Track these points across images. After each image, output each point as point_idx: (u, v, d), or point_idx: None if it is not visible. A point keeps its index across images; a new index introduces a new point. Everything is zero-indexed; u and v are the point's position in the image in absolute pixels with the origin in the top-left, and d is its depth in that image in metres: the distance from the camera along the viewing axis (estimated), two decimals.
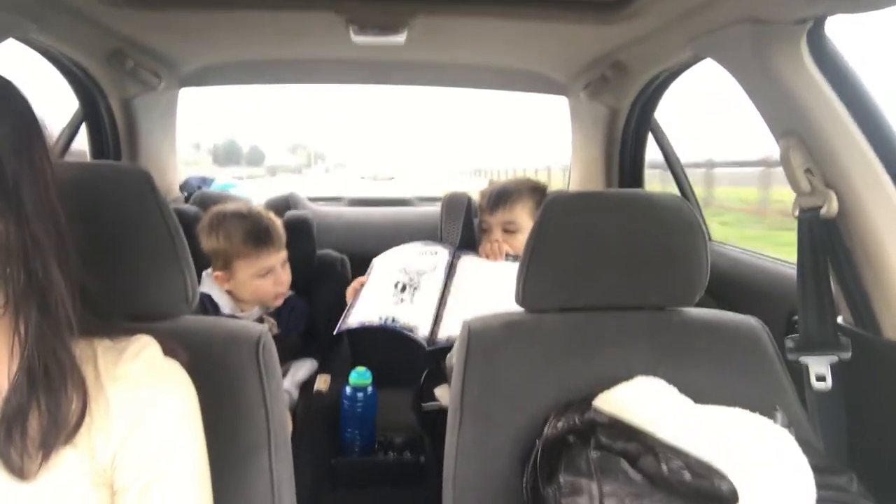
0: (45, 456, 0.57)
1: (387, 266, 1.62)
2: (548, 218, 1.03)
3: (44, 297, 0.58)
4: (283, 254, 1.58)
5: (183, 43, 1.79)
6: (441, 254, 1.63)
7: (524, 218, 1.62)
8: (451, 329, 1.43)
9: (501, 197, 1.64)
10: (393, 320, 1.45)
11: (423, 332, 1.44)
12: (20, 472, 0.56)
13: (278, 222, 1.60)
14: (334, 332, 1.46)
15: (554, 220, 1.03)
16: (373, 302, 1.51)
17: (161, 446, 0.63)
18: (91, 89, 1.89)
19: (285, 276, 1.57)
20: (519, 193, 1.64)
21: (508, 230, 1.63)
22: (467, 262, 1.61)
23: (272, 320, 1.58)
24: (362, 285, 1.58)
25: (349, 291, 1.59)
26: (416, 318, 1.47)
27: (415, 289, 1.53)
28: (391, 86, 2.47)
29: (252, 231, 1.51)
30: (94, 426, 0.60)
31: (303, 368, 1.58)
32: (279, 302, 1.59)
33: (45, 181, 0.59)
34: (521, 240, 1.54)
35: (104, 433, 0.61)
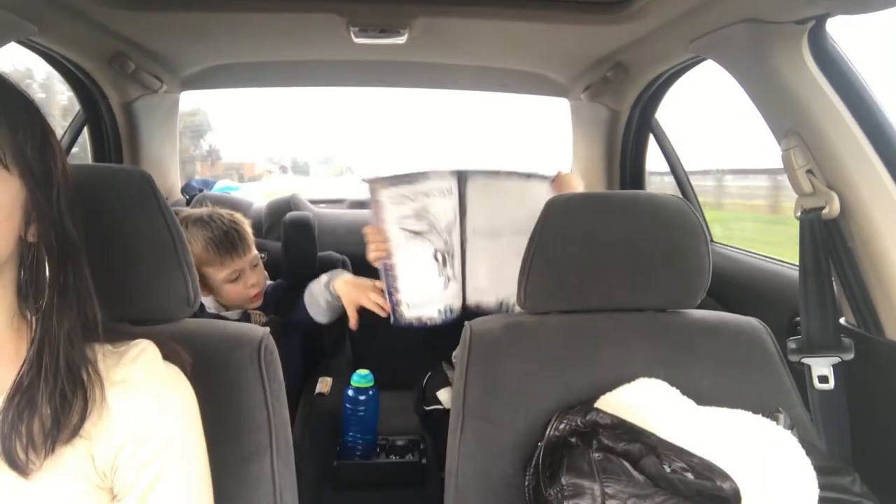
0: (49, 453, 0.58)
1: (413, 222, 1.32)
2: (549, 219, 1.03)
3: (76, 297, 0.61)
4: (251, 255, 1.53)
5: (184, 45, 1.79)
6: (454, 188, 1.36)
7: None
8: (477, 290, 1.36)
9: None
10: (451, 311, 1.35)
11: (457, 305, 1.37)
12: (23, 468, 0.57)
13: (244, 224, 1.55)
14: (392, 321, 1.34)
15: (555, 222, 1.03)
16: (423, 288, 1.34)
17: (160, 450, 0.63)
18: (92, 92, 1.89)
19: (255, 277, 1.53)
20: None
21: None
22: (475, 187, 1.37)
23: (258, 312, 1.55)
24: (386, 259, 1.32)
25: (374, 256, 1.33)
26: (461, 295, 1.37)
27: (452, 256, 1.35)
28: (393, 88, 2.48)
29: (212, 238, 1.46)
30: (94, 428, 0.61)
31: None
32: (257, 302, 1.55)
33: (69, 184, 0.63)
34: None
35: (103, 437, 0.61)
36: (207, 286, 1.49)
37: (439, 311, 1.34)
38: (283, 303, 1.59)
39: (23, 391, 0.58)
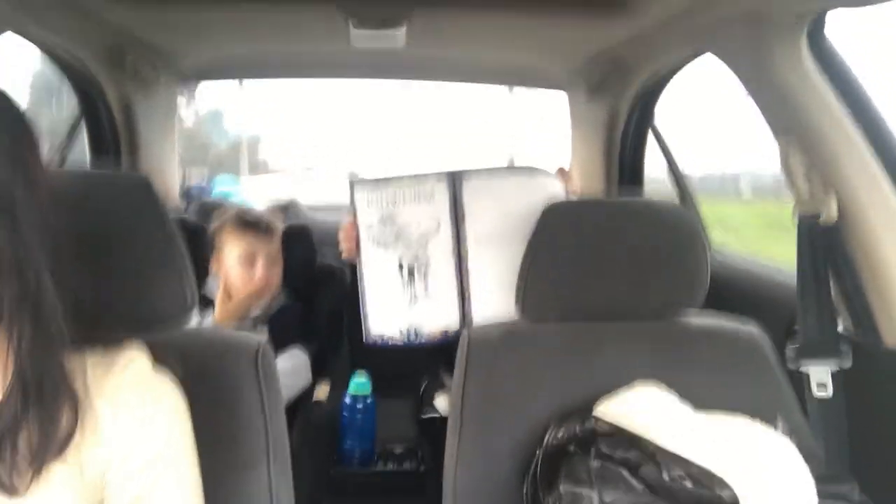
0: (37, 472, 0.57)
1: (378, 229, 1.27)
2: (547, 226, 1.03)
3: (37, 310, 0.58)
4: (270, 248, 1.58)
5: (182, 38, 1.79)
6: (438, 192, 1.26)
7: None
8: (485, 307, 1.23)
9: None
10: (416, 333, 1.27)
11: (454, 325, 1.26)
12: (9, 489, 0.56)
13: (275, 222, 1.64)
14: (364, 341, 1.30)
15: (553, 229, 1.03)
16: (385, 303, 1.28)
17: (150, 461, 0.62)
18: (90, 85, 1.88)
19: (267, 271, 1.56)
20: None
21: None
22: (472, 188, 1.25)
23: (263, 328, 1.57)
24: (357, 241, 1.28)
25: (346, 238, 1.31)
26: (440, 316, 1.26)
27: (425, 272, 1.26)
28: (393, 85, 2.49)
29: (239, 216, 1.57)
30: (83, 441, 0.60)
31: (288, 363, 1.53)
32: (264, 297, 1.58)
33: (38, 192, 0.59)
34: None
35: (93, 448, 0.60)
36: (224, 265, 1.56)
37: (401, 332, 1.27)
38: (290, 330, 1.61)
39: (6, 407, 0.57)
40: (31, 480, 0.56)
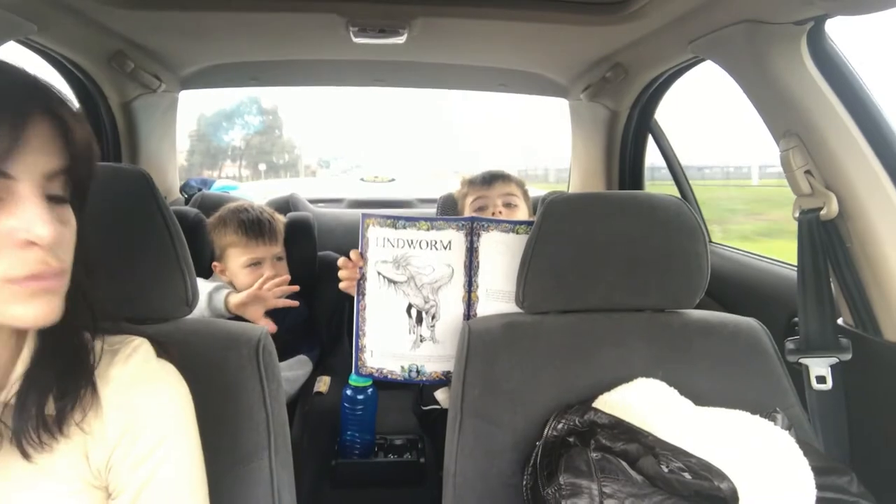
0: (48, 441, 0.58)
1: (390, 269, 1.28)
2: (548, 219, 1.03)
3: (86, 295, 0.61)
4: (276, 250, 1.59)
5: (183, 45, 1.78)
6: (455, 243, 1.27)
7: (520, 196, 1.58)
8: (486, 310, 1.25)
9: (496, 174, 1.59)
10: (417, 372, 1.29)
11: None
12: (36, 446, 0.57)
13: (279, 221, 1.63)
14: (354, 373, 1.32)
15: (554, 222, 1.03)
16: (389, 341, 1.29)
17: (154, 448, 0.63)
18: (91, 91, 1.89)
19: (273, 272, 1.55)
20: (509, 175, 1.60)
21: (509, 203, 1.55)
22: (489, 241, 1.27)
23: (268, 320, 1.57)
24: (362, 276, 1.28)
25: (343, 286, 1.31)
26: (443, 359, 1.29)
27: (433, 317, 1.28)
28: (391, 87, 2.48)
29: (244, 221, 1.56)
30: (87, 428, 0.60)
31: (292, 370, 1.56)
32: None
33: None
34: (518, 217, 1.51)
35: (97, 435, 0.61)
36: (228, 271, 1.57)
37: (402, 368, 1.29)
38: (288, 320, 1.62)
39: (36, 372, 0.59)
40: (51, 446, 0.58)
